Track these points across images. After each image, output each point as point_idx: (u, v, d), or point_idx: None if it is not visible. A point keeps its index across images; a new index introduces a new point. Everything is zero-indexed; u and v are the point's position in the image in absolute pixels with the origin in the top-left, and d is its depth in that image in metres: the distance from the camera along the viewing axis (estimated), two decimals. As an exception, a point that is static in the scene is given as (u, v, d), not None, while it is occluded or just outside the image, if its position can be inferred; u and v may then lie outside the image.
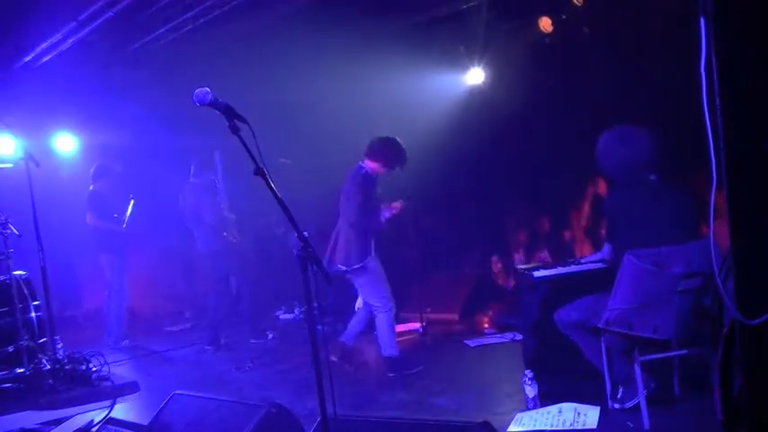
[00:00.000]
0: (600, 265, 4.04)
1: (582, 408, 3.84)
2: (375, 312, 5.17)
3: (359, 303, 6.99)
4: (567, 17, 6.11)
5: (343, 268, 5.15)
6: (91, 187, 7.04)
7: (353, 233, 5.11)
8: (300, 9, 6.00)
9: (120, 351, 6.76)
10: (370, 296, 5.19)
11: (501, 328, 6.13)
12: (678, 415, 3.67)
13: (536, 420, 3.79)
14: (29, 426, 4.25)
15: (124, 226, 7.02)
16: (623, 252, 3.55)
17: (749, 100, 1.68)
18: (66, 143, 7.79)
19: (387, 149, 5.16)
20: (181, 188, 6.88)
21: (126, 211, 7.04)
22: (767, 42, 1.66)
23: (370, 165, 5.15)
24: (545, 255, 6.49)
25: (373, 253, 5.15)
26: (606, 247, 3.97)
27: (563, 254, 6.18)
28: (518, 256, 6.83)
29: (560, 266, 4.29)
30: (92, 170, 7.09)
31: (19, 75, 6.70)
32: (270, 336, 6.97)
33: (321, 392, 2.49)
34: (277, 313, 8.17)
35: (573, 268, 4.22)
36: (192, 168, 6.79)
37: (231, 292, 7.23)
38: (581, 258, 4.42)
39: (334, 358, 5.11)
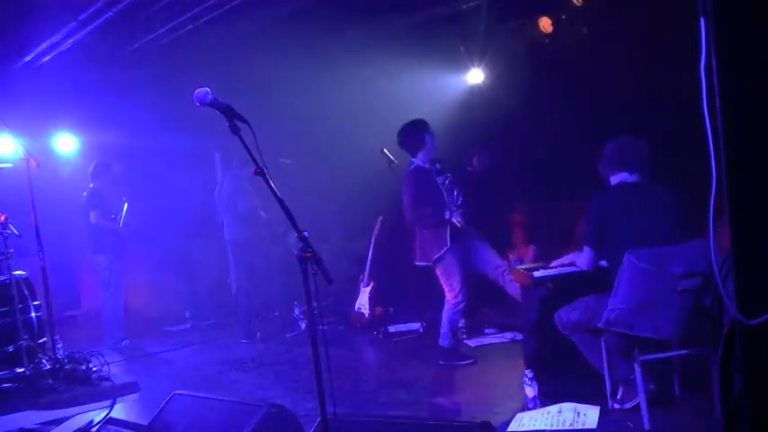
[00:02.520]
0: (600, 265, 4.02)
1: (582, 408, 3.84)
2: (446, 301, 5.37)
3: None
4: (567, 17, 6.10)
5: (425, 263, 5.36)
6: (91, 185, 7.05)
7: (423, 229, 5.31)
8: (300, 9, 5.99)
9: (120, 351, 6.76)
10: (444, 286, 5.36)
11: (501, 328, 6.13)
12: (678, 415, 3.67)
13: (536, 420, 3.78)
14: (29, 426, 4.26)
15: (121, 225, 7.05)
16: (617, 253, 3.54)
17: (749, 100, 1.68)
18: (66, 143, 7.79)
19: (405, 134, 5.35)
20: (221, 179, 7.34)
21: (121, 212, 7.07)
22: (767, 42, 1.66)
23: (414, 159, 5.35)
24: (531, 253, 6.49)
25: (449, 244, 5.22)
26: (587, 252, 3.87)
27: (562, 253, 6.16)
28: (512, 256, 6.81)
29: (560, 266, 4.29)
30: (91, 168, 7.10)
31: (19, 75, 6.70)
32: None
33: (321, 392, 2.49)
34: (277, 313, 8.17)
35: (573, 268, 4.22)
36: (234, 161, 7.04)
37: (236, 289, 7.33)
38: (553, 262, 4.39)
39: (442, 362, 5.34)
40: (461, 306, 5.30)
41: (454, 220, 5.24)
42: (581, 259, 3.95)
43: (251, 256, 7.03)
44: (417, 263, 5.46)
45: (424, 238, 5.34)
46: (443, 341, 5.34)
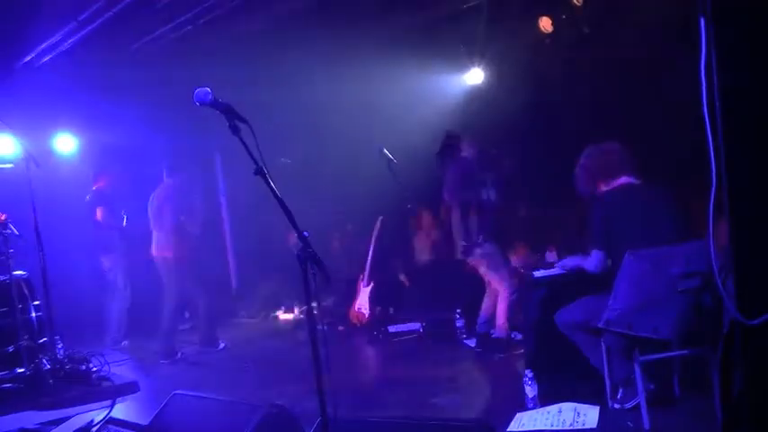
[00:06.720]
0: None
1: (582, 408, 3.84)
2: (500, 293, 5.47)
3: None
4: (567, 17, 6.11)
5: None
6: (94, 187, 7.10)
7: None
8: (301, 9, 6.00)
9: (120, 351, 6.76)
10: (494, 276, 5.50)
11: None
12: (678, 415, 3.67)
13: (536, 420, 3.78)
14: (29, 426, 4.25)
15: (124, 224, 7.08)
16: (621, 252, 3.54)
17: (749, 100, 1.68)
18: (66, 143, 7.79)
19: None
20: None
21: (124, 214, 7.10)
22: (767, 42, 1.66)
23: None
24: (552, 255, 6.46)
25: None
26: (595, 255, 3.78)
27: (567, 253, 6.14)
28: (514, 257, 6.80)
29: (562, 267, 4.27)
30: (91, 174, 7.18)
31: (19, 75, 6.69)
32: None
33: (321, 392, 2.49)
34: (276, 313, 8.19)
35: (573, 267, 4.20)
36: (164, 169, 6.65)
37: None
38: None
39: (479, 349, 5.57)
40: (516, 294, 5.36)
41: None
42: (589, 263, 3.84)
43: (188, 270, 6.58)
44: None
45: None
46: (500, 333, 5.40)
